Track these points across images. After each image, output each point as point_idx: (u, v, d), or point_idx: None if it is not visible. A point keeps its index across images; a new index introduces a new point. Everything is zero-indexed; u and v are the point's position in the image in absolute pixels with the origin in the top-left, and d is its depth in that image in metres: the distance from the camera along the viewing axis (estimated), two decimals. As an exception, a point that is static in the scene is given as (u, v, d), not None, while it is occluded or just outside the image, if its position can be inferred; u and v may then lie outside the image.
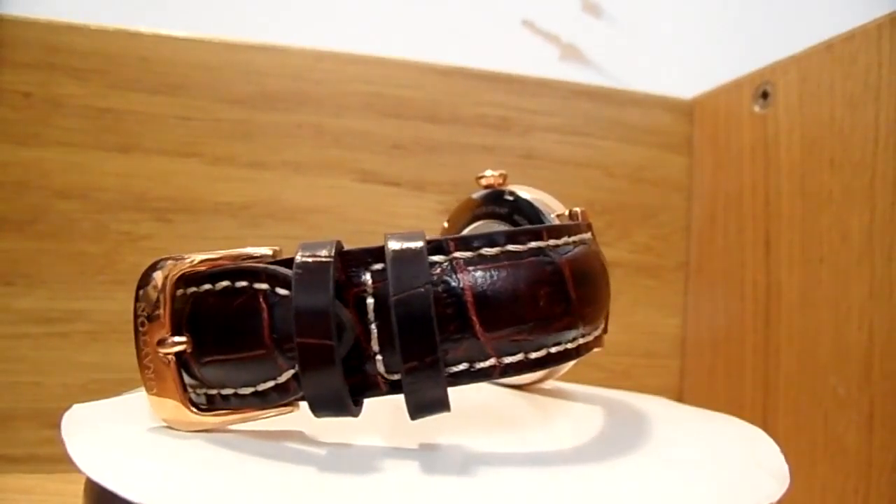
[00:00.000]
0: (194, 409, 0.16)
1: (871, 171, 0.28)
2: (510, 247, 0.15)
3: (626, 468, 0.16)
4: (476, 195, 0.23)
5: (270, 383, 0.16)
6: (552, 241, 0.16)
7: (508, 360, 0.15)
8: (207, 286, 0.16)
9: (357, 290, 0.15)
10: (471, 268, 0.15)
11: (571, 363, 0.22)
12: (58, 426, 0.16)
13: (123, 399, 0.19)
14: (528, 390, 0.23)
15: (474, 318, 0.15)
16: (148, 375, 0.16)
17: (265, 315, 0.15)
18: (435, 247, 0.15)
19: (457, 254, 0.15)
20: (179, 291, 0.16)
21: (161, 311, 0.16)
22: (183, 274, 0.16)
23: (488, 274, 0.15)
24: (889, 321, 0.26)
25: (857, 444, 0.27)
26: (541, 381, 0.23)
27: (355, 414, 0.16)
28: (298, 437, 0.17)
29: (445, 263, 0.15)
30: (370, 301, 0.15)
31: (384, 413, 0.19)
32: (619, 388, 0.27)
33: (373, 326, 0.15)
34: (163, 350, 0.16)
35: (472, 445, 0.17)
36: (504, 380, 0.24)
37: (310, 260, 0.15)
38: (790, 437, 0.31)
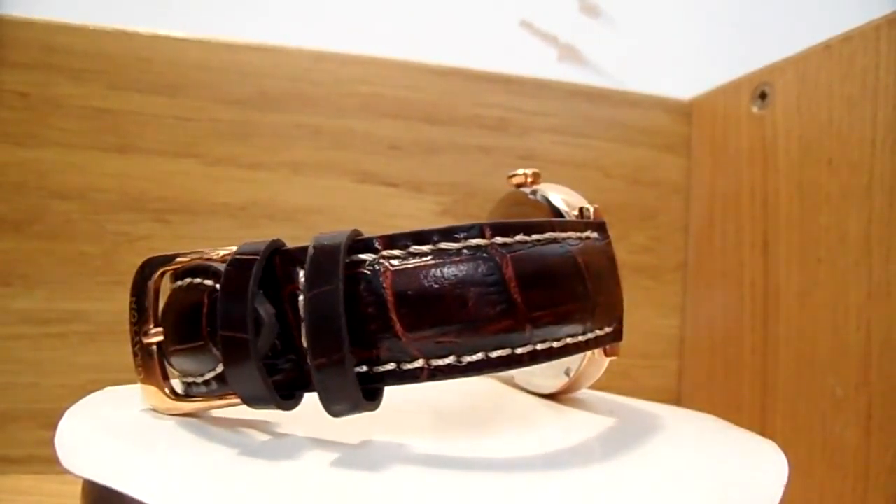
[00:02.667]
0: (171, 395, 0.17)
1: (868, 172, 0.28)
2: (443, 245, 0.15)
3: (607, 480, 0.15)
4: (506, 195, 0.23)
5: (212, 373, 0.17)
6: (499, 239, 0.15)
7: (437, 362, 0.15)
8: (179, 282, 0.17)
9: (292, 287, 0.16)
10: (395, 266, 0.15)
11: (599, 371, 0.21)
12: (56, 427, 0.17)
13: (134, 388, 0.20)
14: (558, 400, 0.23)
15: (394, 317, 0.15)
16: (137, 363, 0.17)
17: (205, 309, 0.16)
18: (364, 245, 0.15)
19: (384, 252, 0.15)
20: (166, 287, 0.18)
21: (145, 304, 0.17)
22: (168, 270, 0.18)
23: (413, 273, 0.15)
24: (887, 322, 0.27)
25: (855, 444, 0.27)
26: (567, 390, 0.22)
27: (286, 408, 0.16)
28: (263, 426, 0.17)
29: (372, 262, 0.15)
30: (301, 298, 0.15)
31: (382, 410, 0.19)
32: (618, 389, 0.27)
33: (304, 323, 0.15)
34: (145, 340, 0.17)
35: (421, 446, 0.17)
36: (531, 389, 0.24)
37: (239, 258, 0.15)
38: (788, 438, 0.31)
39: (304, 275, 0.15)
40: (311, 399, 0.16)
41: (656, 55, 0.47)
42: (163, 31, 0.32)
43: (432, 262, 0.15)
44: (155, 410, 0.18)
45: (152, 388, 0.17)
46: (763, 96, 0.34)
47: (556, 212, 0.20)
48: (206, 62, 0.33)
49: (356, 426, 0.17)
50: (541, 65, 0.44)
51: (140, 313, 0.17)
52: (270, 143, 0.34)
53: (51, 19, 0.31)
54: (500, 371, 0.15)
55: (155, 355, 0.17)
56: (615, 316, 0.18)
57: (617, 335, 0.18)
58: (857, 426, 0.27)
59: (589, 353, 0.19)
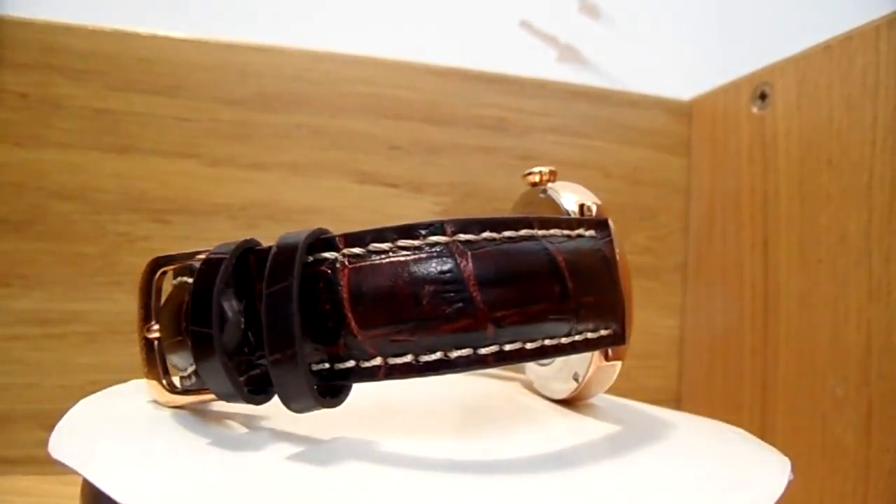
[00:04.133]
0: (168, 389, 0.18)
1: (868, 172, 0.28)
2: (402, 242, 0.15)
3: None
4: (522, 194, 0.22)
5: (192, 367, 0.17)
6: (462, 236, 0.15)
7: (394, 361, 0.15)
8: (174, 281, 0.18)
9: (261, 285, 0.16)
10: (353, 264, 0.15)
11: (610, 376, 0.20)
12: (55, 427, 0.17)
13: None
14: (571, 406, 0.22)
15: (349, 315, 0.15)
16: (142, 358, 0.18)
17: (184, 306, 0.17)
18: (327, 243, 0.15)
19: (345, 250, 0.15)
20: (168, 285, 0.19)
21: (148, 302, 0.18)
22: (168, 270, 0.18)
23: (368, 270, 0.15)
24: (887, 322, 0.27)
25: (855, 445, 0.27)
26: (579, 396, 0.21)
27: (255, 402, 0.16)
28: (251, 420, 0.18)
29: (333, 260, 0.15)
30: None
31: (387, 409, 0.19)
32: (617, 390, 0.27)
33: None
34: (147, 336, 0.18)
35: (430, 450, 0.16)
36: (546, 394, 0.23)
37: (211, 257, 0.16)
38: (788, 438, 0.31)
39: (265, 273, 0.15)
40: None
41: (656, 55, 0.47)
42: (162, 32, 0.32)
43: (388, 259, 0.15)
44: (157, 403, 0.18)
45: (154, 383, 0.18)
46: (763, 96, 0.34)
47: (565, 211, 0.20)
48: (206, 62, 0.33)
49: (350, 423, 0.17)
50: (541, 65, 0.44)
51: (145, 310, 0.18)
52: (270, 143, 0.34)
53: (51, 20, 0.31)
54: (463, 371, 0.15)
55: (155, 351, 0.18)
56: (613, 318, 0.17)
57: (617, 338, 0.17)
58: (858, 427, 0.27)
59: (594, 358, 0.19)
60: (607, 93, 0.39)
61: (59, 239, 0.31)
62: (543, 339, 0.15)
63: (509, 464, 0.16)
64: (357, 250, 0.15)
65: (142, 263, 0.18)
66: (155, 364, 0.18)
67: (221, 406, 0.18)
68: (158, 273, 0.18)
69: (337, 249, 0.15)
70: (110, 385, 0.21)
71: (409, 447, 0.16)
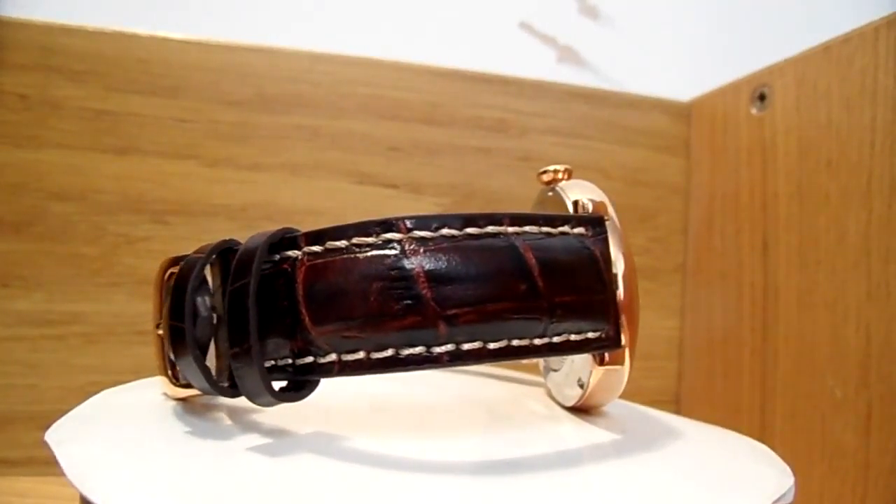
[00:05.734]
0: (173, 382, 0.18)
1: (867, 173, 0.28)
2: (356, 240, 0.15)
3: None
4: (538, 193, 0.22)
5: None
6: (417, 234, 0.15)
7: (347, 357, 0.15)
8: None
9: None
10: (311, 262, 0.15)
11: (616, 382, 0.19)
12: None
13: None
14: (586, 416, 0.21)
15: (304, 311, 0.15)
16: (155, 353, 0.19)
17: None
18: (290, 241, 0.15)
19: (306, 248, 0.15)
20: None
21: (159, 300, 0.19)
22: (174, 270, 0.19)
23: (322, 268, 0.15)
24: (886, 323, 0.27)
25: (854, 446, 0.27)
26: (586, 403, 0.20)
27: (227, 395, 0.16)
28: (242, 414, 0.18)
29: (295, 258, 0.15)
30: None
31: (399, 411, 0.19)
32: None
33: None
34: (157, 332, 0.18)
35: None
36: (559, 399, 0.22)
37: (192, 256, 0.16)
38: (788, 439, 0.31)
39: (231, 271, 0.15)
40: (314, 397, 0.16)
41: (656, 56, 0.47)
42: (162, 33, 0.32)
43: (342, 257, 0.15)
44: (166, 396, 0.19)
45: (163, 377, 0.19)
46: (762, 98, 0.34)
47: (565, 209, 0.19)
48: (205, 63, 0.33)
49: (340, 421, 0.17)
50: (540, 66, 0.44)
51: (158, 308, 0.19)
52: (269, 144, 0.34)
53: (50, 21, 0.31)
54: (416, 370, 0.15)
55: (163, 346, 0.19)
56: (602, 320, 0.16)
57: (608, 342, 0.16)
58: (857, 427, 0.27)
59: (594, 363, 0.18)
60: (607, 94, 0.39)
61: (58, 240, 0.31)
62: (509, 339, 0.15)
63: (503, 465, 0.16)
64: (316, 248, 0.15)
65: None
66: (163, 358, 0.19)
67: (223, 399, 0.18)
68: (168, 273, 0.19)
69: (299, 247, 0.15)
70: (110, 386, 0.21)
71: (395, 446, 0.16)
